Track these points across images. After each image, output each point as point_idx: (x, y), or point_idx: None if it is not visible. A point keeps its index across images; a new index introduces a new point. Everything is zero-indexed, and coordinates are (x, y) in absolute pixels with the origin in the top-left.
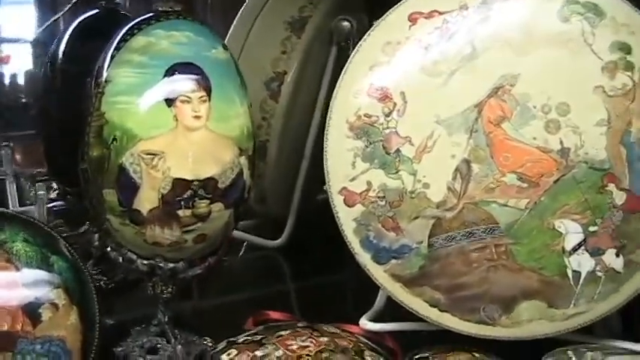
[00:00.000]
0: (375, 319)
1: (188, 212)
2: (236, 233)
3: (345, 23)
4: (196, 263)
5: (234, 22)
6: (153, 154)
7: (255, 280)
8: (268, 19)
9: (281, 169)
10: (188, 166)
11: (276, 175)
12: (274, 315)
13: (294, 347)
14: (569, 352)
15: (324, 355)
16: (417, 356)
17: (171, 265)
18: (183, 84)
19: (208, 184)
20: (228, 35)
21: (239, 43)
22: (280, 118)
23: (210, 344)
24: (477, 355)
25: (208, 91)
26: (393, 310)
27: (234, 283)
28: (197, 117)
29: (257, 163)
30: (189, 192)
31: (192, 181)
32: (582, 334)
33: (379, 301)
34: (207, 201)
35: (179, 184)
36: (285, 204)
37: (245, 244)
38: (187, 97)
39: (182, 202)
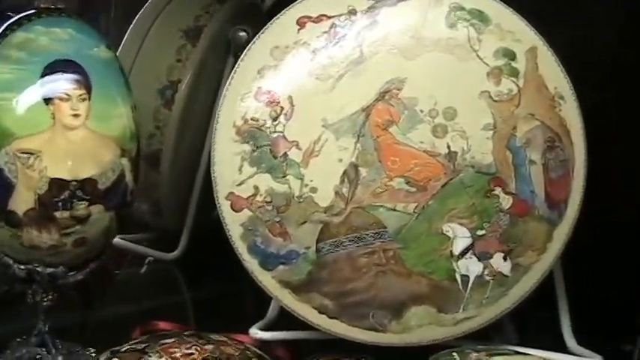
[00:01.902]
0: (267, 329)
1: (66, 214)
2: (131, 246)
3: (242, 33)
4: (77, 268)
5: (130, 29)
6: (29, 153)
7: (150, 292)
8: (163, 28)
9: (176, 180)
10: (66, 165)
11: (170, 186)
12: (163, 325)
13: (178, 355)
14: (454, 354)
15: None
16: None
17: (50, 270)
18: (62, 81)
19: (87, 184)
20: (123, 42)
21: (133, 51)
22: (174, 127)
23: (93, 354)
24: None
25: (88, 89)
26: (290, 320)
27: (129, 295)
28: (76, 115)
29: (150, 172)
30: (67, 193)
31: (70, 181)
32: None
33: (272, 311)
34: (86, 202)
35: (56, 184)
36: (181, 216)
37: (150, 259)
38: (66, 94)
39: (60, 204)
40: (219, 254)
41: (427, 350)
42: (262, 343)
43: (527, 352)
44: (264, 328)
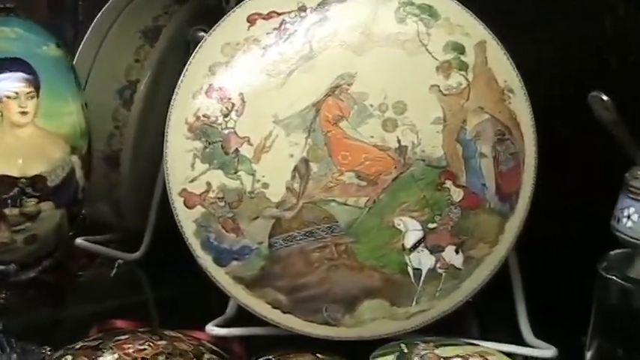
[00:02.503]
0: (225, 326)
1: (16, 211)
2: (93, 247)
3: (202, 34)
4: (29, 266)
5: (89, 30)
6: None
7: (112, 292)
8: (122, 28)
9: (136, 181)
10: (15, 163)
11: (131, 187)
12: (120, 324)
13: (131, 351)
14: (402, 345)
15: (160, 358)
16: (260, 359)
17: (1, 267)
18: (10, 80)
19: (36, 182)
20: (82, 43)
21: (92, 51)
22: (133, 127)
23: (48, 353)
24: (320, 356)
25: (37, 87)
26: (251, 317)
27: (90, 295)
28: (24, 113)
29: (111, 173)
30: (15, 190)
31: (19, 178)
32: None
33: (230, 308)
34: (36, 199)
35: (5, 181)
36: (143, 216)
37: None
38: (14, 92)
39: (9, 201)
40: (182, 253)
41: (381, 344)
42: (219, 340)
43: (479, 343)
44: (223, 325)
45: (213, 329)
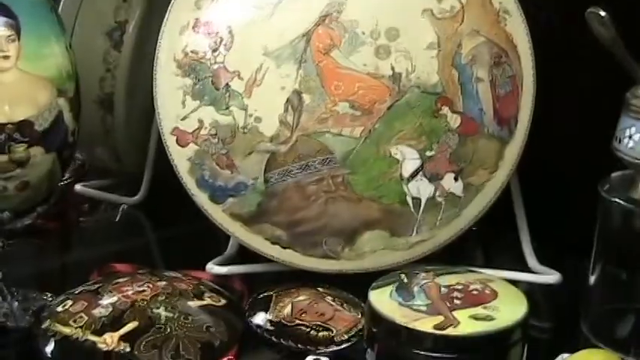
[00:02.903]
0: (225, 264)
1: (5, 158)
2: (93, 192)
3: None
4: (24, 213)
5: None
6: None
7: (113, 236)
8: None
9: (132, 123)
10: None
11: (127, 130)
12: (120, 267)
13: (130, 292)
14: (402, 275)
15: (159, 298)
16: (261, 295)
17: None
18: None
19: (24, 127)
20: None
21: None
22: (125, 69)
23: (50, 299)
24: (320, 289)
25: (17, 30)
26: (253, 255)
27: (91, 240)
28: (5, 57)
29: (106, 116)
30: (2, 136)
31: (6, 124)
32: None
33: (231, 247)
34: (25, 145)
35: None
36: (140, 159)
37: (124, 206)
38: None
39: None
40: (181, 194)
41: (382, 276)
42: (220, 278)
43: (482, 271)
44: (223, 263)
45: (213, 268)
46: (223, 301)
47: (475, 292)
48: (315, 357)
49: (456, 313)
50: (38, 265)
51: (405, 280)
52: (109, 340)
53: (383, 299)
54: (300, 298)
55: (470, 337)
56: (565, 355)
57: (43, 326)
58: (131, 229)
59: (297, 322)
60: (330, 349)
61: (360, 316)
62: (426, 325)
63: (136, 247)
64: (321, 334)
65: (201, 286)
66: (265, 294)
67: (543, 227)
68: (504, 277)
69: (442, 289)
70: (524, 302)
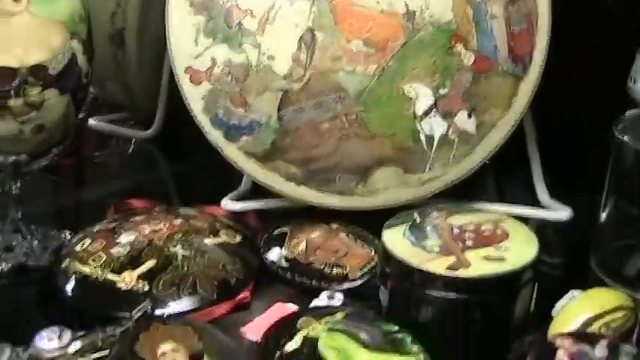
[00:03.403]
0: (239, 200)
1: (19, 101)
2: (106, 127)
3: None
4: (40, 155)
5: None
6: None
7: (127, 171)
8: None
9: (143, 58)
10: (12, 53)
11: (138, 65)
12: (136, 203)
13: (147, 231)
14: (415, 214)
15: (176, 237)
16: (275, 232)
17: (12, 158)
18: None
19: (37, 70)
20: None
21: None
22: (136, 4)
23: (68, 237)
24: (334, 226)
25: None
26: (266, 192)
27: (106, 176)
28: (17, 1)
29: (117, 52)
30: (17, 80)
31: (19, 68)
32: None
33: (245, 183)
34: (39, 88)
35: (4, 72)
36: (153, 94)
37: (134, 140)
38: None
39: (11, 92)
40: (195, 129)
41: (395, 213)
42: (235, 214)
43: (496, 207)
44: (238, 199)
45: (227, 204)
46: (239, 238)
47: (486, 233)
48: (329, 293)
49: (467, 254)
50: (55, 202)
51: (418, 220)
52: (128, 279)
53: (396, 239)
54: (314, 235)
55: (481, 279)
56: (575, 292)
57: (63, 265)
58: (145, 164)
59: (312, 259)
60: (344, 286)
61: (373, 253)
62: (438, 266)
63: (151, 182)
64: (334, 271)
65: (217, 224)
66: (280, 230)
67: (556, 164)
68: (515, 213)
69: (454, 229)
70: (535, 243)
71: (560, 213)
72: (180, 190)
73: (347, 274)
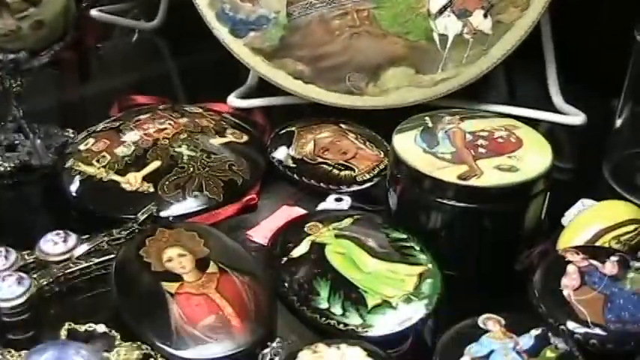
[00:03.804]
0: (246, 97)
1: None
2: (109, 17)
3: None
4: (40, 52)
5: None
6: None
7: (132, 64)
8: None
9: None
10: None
11: None
12: (141, 99)
13: (152, 130)
14: (427, 118)
15: (181, 136)
16: (283, 131)
17: (12, 56)
18: None
19: None
20: None
21: None
22: None
23: (72, 135)
24: (343, 126)
25: None
26: (273, 88)
27: (109, 70)
28: None
29: None
30: None
31: None
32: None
33: (251, 79)
34: None
35: None
36: None
37: (137, 30)
38: None
39: None
40: (200, 20)
41: (406, 113)
42: (242, 112)
43: (508, 109)
44: (244, 96)
45: (234, 101)
46: (245, 138)
47: (500, 140)
48: (336, 196)
49: (480, 163)
50: (57, 98)
51: (430, 125)
52: (133, 180)
53: (407, 145)
54: (323, 135)
55: (492, 189)
56: (585, 201)
57: (67, 165)
58: (149, 57)
59: (319, 160)
60: (352, 189)
61: (382, 155)
62: (450, 174)
63: (155, 76)
64: (343, 173)
65: (223, 122)
66: (287, 129)
67: (571, 66)
68: (527, 116)
69: (467, 135)
70: (548, 152)
71: (574, 118)
72: (185, 86)
73: (355, 177)
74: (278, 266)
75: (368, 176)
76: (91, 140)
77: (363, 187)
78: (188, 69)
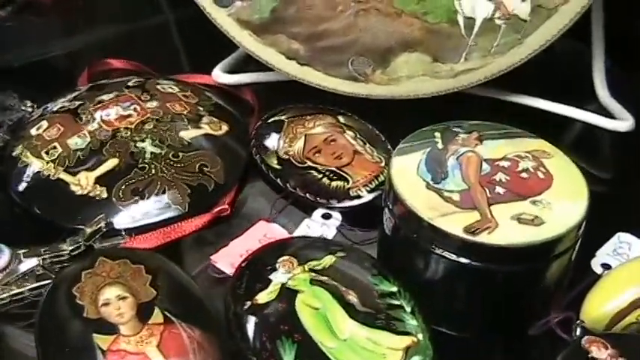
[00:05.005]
0: (232, 70)
1: None
2: None
3: None
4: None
5: None
6: None
7: (106, 20)
8: None
9: None
10: None
11: None
12: (116, 64)
13: (113, 118)
14: (436, 135)
15: (146, 127)
16: (271, 119)
17: None
18: None
19: None
20: None
21: None
22: None
23: (29, 110)
24: (341, 119)
25: None
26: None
27: (85, 25)
28: None
29: None
30: None
31: None
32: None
33: (240, 51)
34: None
35: None
36: None
37: None
38: None
39: None
40: None
41: (414, 105)
42: (228, 89)
43: (542, 104)
44: (231, 69)
45: (219, 76)
46: (224, 129)
47: (524, 176)
48: (324, 211)
49: (495, 209)
50: (18, 58)
51: (440, 145)
52: (84, 182)
53: (408, 175)
54: (316, 130)
55: (507, 248)
56: (623, 236)
57: (15, 153)
58: (129, 12)
59: (308, 163)
60: (344, 204)
61: (383, 164)
62: (456, 224)
63: (145, 30)
64: (334, 183)
65: (200, 108)
66: (276, 118)
67: (620, 58)
68: (564, 113)
69: (484, 165)
70: (584, 194)
71: (620, 123)
72: (166, 55)
73: (349, 190)
74: (239, 312)
75: (363, 191)
76: (45, 123)
77: (356, 203)
78: (185, 21)
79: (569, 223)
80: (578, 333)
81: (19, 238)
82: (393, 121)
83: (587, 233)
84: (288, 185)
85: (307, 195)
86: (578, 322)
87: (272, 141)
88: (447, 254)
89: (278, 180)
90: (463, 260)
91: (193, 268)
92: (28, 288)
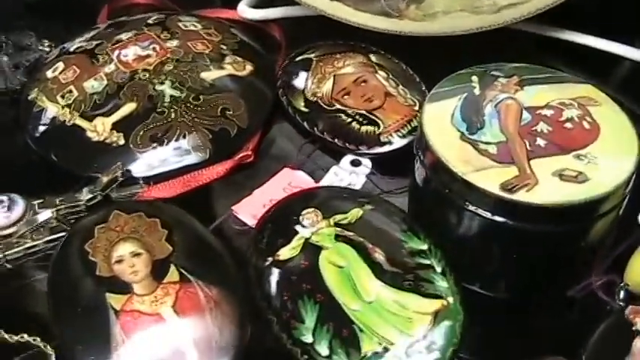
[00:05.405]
0: (259, 5)
1: None
2: None
3: None
4: None
5: None
6: None
7: None
8: None
9: None
10: None
11: None
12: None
13: (131, 59)
14: (474, 78)
15: (166, 68)
16: (298, 58)
17: None
18: None
19: None
20: None
21: None
22: None
23: (47, 50)
24: (373, 58)
25: None
26: None
27: None
28: None
29: None
30: None
31: None
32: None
33: None
34: None
35: None
36: None
37: None
38: None
39: None
40: None
41: (450, 44)
42: (253, 24)
43: (594, 42)
44: (256, 5)
45: (245, 10)
46: (249, 68)
47: (568, 126)
48: (353, 158)
49: (535, 164)
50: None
51: (477, 90)
52: (100, 128)
53: (441, 123)
54: (346, 70)
55: (548, 208)
56: None
57: (30, 96)
58: None
59: (337, 106)
60: (374, 150)
61: (417, 107)
62: (492, 180)
63: None
64: (364, 128)
65: (223, 47)
66: (304, 56)
67: None
68: (618, 52)
69: (524, 113)
70: (634, 147)
71: None
72: None
73: (379, 135)
74: (260, 268)
75: (395, 137)
76: (61, 65)
77: (387, 150)
78: None
79: (616, 180)
80: (621, 296)
81: (35, 186)
82: (426, 63)
83: (635, 189)
84: (315, 129)
85: (336, 140)
86: (622, 284)
87: (299, 81)
88: (481, 212)
89: (305, 124)
90: (499, 219)
91: (213, 219)
92: (43, 241)
